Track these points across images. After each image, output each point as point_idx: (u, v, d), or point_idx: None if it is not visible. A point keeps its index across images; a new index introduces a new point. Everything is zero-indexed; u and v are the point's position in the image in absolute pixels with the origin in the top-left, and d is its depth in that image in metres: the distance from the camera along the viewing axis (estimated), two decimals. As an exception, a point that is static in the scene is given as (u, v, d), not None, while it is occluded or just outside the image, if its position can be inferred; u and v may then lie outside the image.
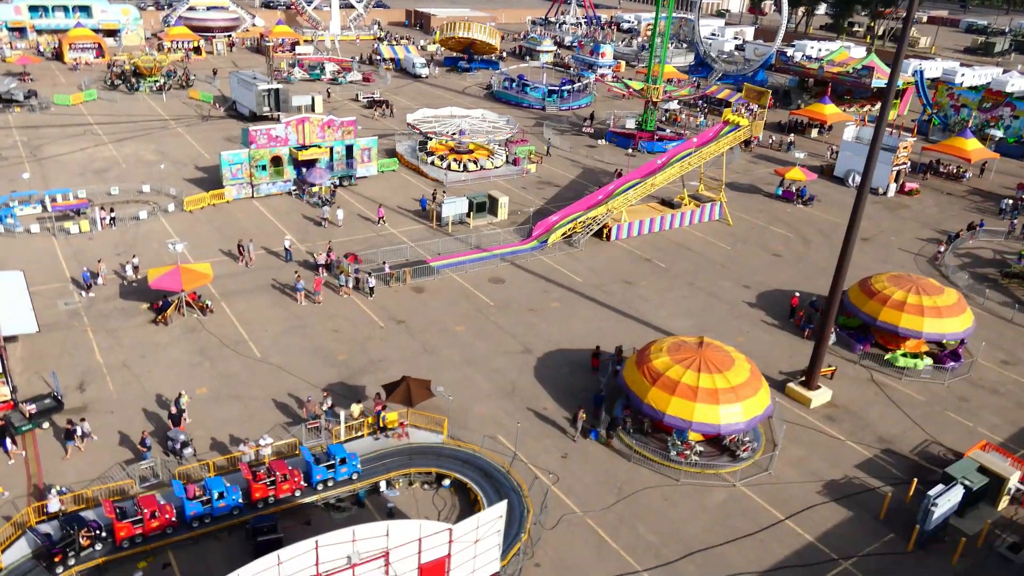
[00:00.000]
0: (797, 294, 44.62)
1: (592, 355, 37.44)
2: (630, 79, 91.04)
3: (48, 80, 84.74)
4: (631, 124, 77.67)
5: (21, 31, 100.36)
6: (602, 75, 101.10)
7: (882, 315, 38.91)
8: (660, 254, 51.47)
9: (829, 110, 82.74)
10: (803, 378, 36.70)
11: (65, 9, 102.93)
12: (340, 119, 58.60)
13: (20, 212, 48.50)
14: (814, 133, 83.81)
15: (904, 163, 65.81)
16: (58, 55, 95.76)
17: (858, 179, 66.23)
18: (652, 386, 31.23)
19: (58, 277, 42.77)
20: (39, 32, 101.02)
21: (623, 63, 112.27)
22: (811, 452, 32.70)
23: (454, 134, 64.40)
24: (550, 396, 35.39)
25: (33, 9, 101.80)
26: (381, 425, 30.90)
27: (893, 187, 65.41)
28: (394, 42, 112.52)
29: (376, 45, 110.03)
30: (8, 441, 28.88)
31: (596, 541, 27.38)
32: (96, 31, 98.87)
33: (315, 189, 55.54)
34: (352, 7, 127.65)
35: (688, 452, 30.98)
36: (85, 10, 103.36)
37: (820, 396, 35.81)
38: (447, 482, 29.23)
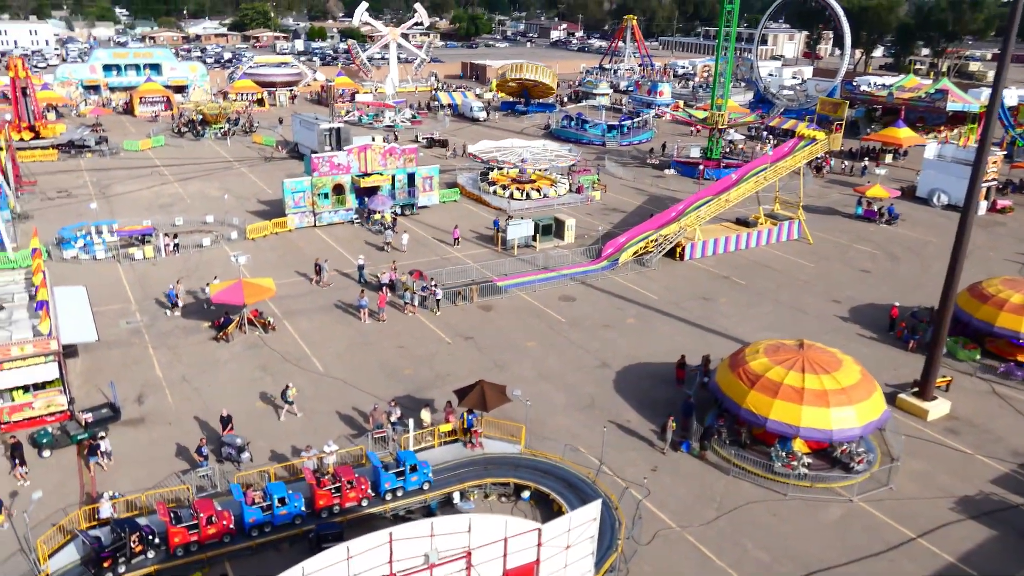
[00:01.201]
0: (896, 304, 41.04)
1: (677, 366, 34.51)
2: (691, 111, 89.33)
3: (119, 130, 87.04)
4: (696, 153, 75.53)
5: (95, 88, 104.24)
6: (661, 112, 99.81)
7: (1000, 321, 35.11)
8: (738, 272, 48.50)
9: (904, 133, 79.27)
10: (915, 389, 33.04)
11: (137, 68, 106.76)
12: (402, 147, 57.86)
13: (87, 242, 48.30)
14: (888, 159, 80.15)
15: (993, 179, 61.86)
16: (128, 109, 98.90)
17: (944, 198, 62.87)
18: (751, 389, 28.17)
19: (121, 299, 42.02)
20: (112, 89, 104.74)
21: (681, 102, 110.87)
22: (935, 466, 28.93)
23: (516, 163, 63.05)
24: (632, 409, 32.51)
25: (107, 68, 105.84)
26: (462, 434, 28.46)
27: (984, 204, 61.34)
28: (451, 89, 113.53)
29: (434, 92, 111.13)
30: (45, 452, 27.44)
31: (698, 558, 24.15)
32: (166, 87, 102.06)
33: (377, 216, 54.49)
34: (410, 62, 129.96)
35: (795, 464, 27.60)
36: (155, 68, 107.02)
37: (937, 408, 32.07)
38: (526, 494, 26.43)
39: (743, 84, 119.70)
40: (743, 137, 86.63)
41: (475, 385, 28.26)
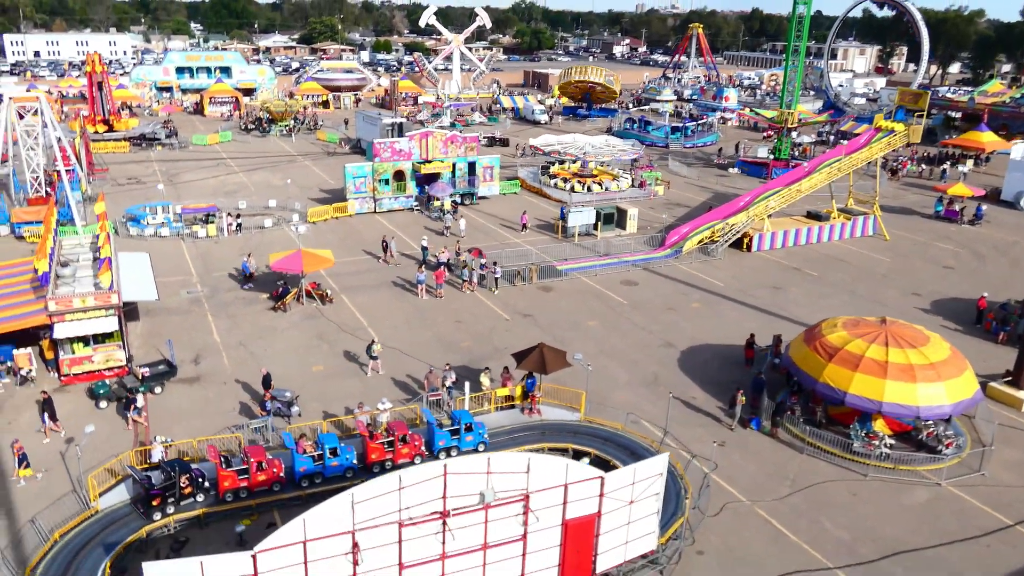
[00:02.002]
0: (985, 294, 38.43)
1: (745, 346, 32.78)
2: (760, 111, 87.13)
3: (188, 128, 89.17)
4: (763, 152, 73.34)
5: (168, 90, 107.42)
6: (726, 117, 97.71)
7: (1102, 308, 32.41)
8: (809, 264, 46.37)
9: (987, 137, 75.57)
10: (1008, 378, 30.62)
11: (208, 70, 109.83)
12: (463, 135, 57.48)
13: (153, 220, 49.00)
14: (969, 164, 76.33)
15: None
16: (198, 109, 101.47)
17: (1031, 201, 59.39)
18: (828, 362, 26.34)
19: (184, 272, 42.33)
20: (183, 91, 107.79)
21: (748, 109, 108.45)
22: (1032, 454, 26.57)
23: (578, 155, 62.03)
24: (698, 387, 30.91)
25: (180, 71, 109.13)
26: (520, 400, 27.38)
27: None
28: (513, 94, 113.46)
29: (496, 96, 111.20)
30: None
31: (771, 532, 22.43)
32: (235, 89, 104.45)
33: (436, 204, 54.07)
34: (471, 70, 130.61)
35: (876, 443, 25.62)
36: (226, 71, 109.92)
37: (1033, 396, 29.61)
38: (586, 461, 25.05)
39: (812, 92, 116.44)
40: (812, 140, 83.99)
41: (535, 348, 27.13)
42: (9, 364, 29.29)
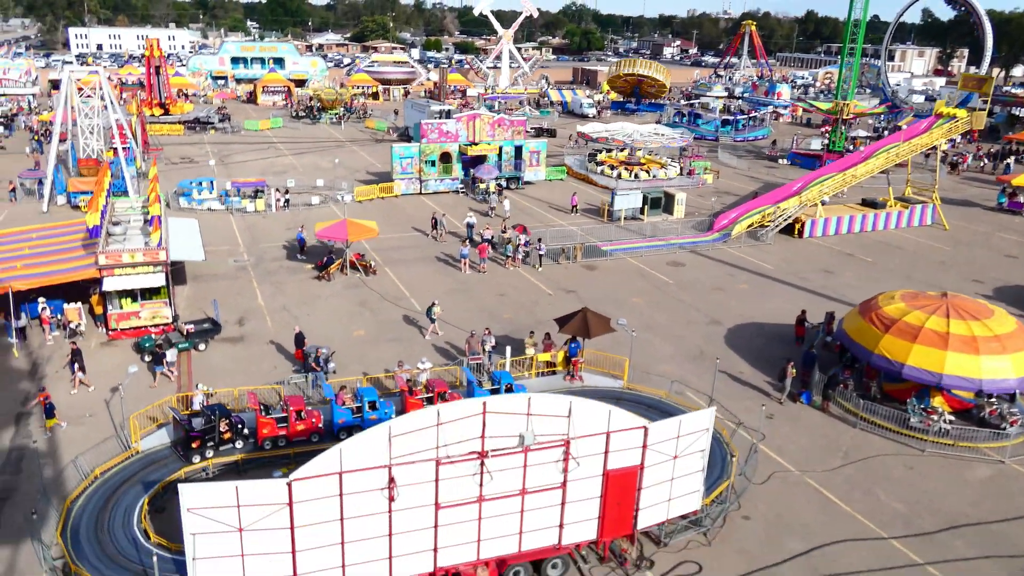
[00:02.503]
0: (1052, 279, 36.74)
1: (796, 322, 31.73)
2: (814, 102, 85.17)
3: (241, 114, 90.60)
4: (816, 145, 71.53)
5: (223, 79, 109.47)
6: (778, 112, 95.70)
7: None
8: (863, 250, 44.93)
9: (1053, 132, 72.53)
10: (1076, 361, 28.99)
11: (262, 61, 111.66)
12: (511, 118, 57.19)
13: (201, 196, 49.71)
14: (1035, 160, 73.43)
15: None
16: (251, 98, 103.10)
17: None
18: (885, 333, 25.27)
19: (231, 243, 42.81)
20: (238, 81, 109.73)
21: (800, 106, 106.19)
22: (1104, 437, 25.08)
23: (627, 141, 61.21)
24: (745, 362, 30.01)
25: (235, 61, 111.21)
26: (563, 366, 26.89)
27: None
28: (562, 88, 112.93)
29: (545, 90, 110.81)
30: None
31: (821, 501, 21.53)
32: (287, 80, 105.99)
33: (482, 186, 53.82)
34: (519, 66, 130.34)
35: (935, 419, 24.46)
36: (279, 62, 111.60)
37: (1105, 380, 27.95)
38: (628, 427, 24.41)
39: (868, 91, 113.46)
40: (867, 135, 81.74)
41: (578, 312, 26.60)
42: (59, 318, 29.80)
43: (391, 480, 15.76)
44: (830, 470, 22.96)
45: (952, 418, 24.76)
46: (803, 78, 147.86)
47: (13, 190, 49.50)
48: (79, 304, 30.41)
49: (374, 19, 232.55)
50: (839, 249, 45.07)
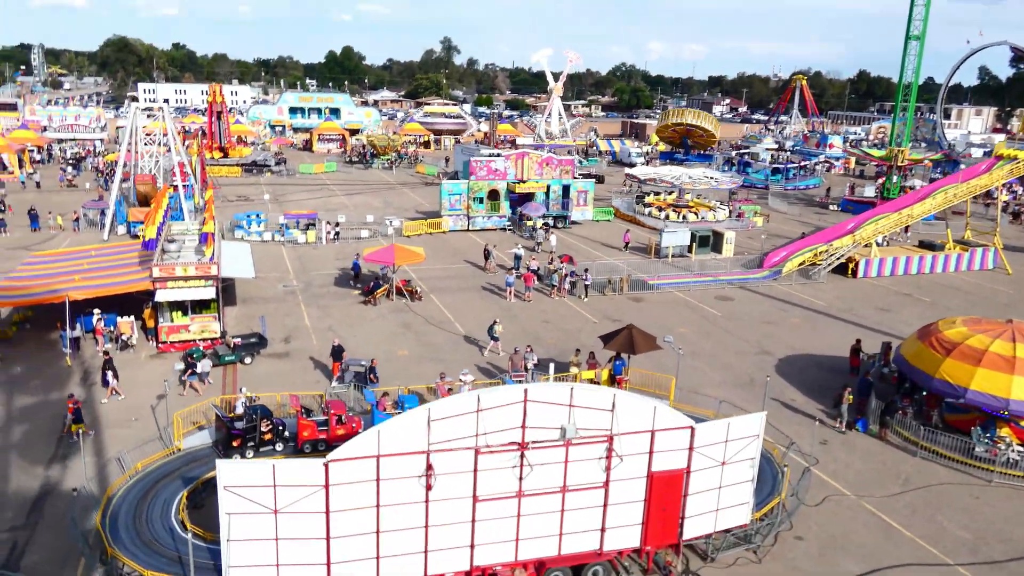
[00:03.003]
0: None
1: (851, 352, 30.67)
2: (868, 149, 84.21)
3: (296, 160, 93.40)
4: (870, 192, 70.40)
5: (281, 128, 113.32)
6: (830, 163, 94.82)
7: None
8: (921, 291, 43.55)
9: (1121, 182, 70.11)
10: None
11: (318, 111, 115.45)
12: (559, 157, 57.69)
13: (253, 228, 50.94)
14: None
15: None
16: (307, 146, 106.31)
17: None
18: (946, 357, 24.20)
19: (282, 271, 43.54)
20: (295, 130, 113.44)
21: (855, 153, 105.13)
22: None
23: (675, 184, 61.13)
24: (797, 391, 29.00)
25: (292, 111, 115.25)
26: (607, 383, 26.27)
27: None
28: (611, 138, 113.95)
29: (594, 140, 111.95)
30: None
31: (880, 525, 20.37)
32: (343, 129, 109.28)
33: (529, 223, 54.05)
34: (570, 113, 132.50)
35: (1002, 448, 23.14)
36: (335, 112, 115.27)
37: None
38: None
39: (923, 144, 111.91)
40: (923, 184, 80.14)
41: (623, 328, 26.14)
42: (112, 330, 30.43)
43: (429, 467, 15.41)
44: (889, 496, 21.79)
45: (1021, 448, 23.39)
46: (855, 133, 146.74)
47: (77, 219, 51.42)
48: (132, 318, 31.07)
49: (428, 76, 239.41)
50: (895, 289, 43.79)
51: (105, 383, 25.98)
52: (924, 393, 25.35)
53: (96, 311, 30.38)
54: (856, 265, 45.75)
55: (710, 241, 50.38)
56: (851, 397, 25.69)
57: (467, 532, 16.14)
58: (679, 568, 17.98)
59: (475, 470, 15.78)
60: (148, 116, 56.60)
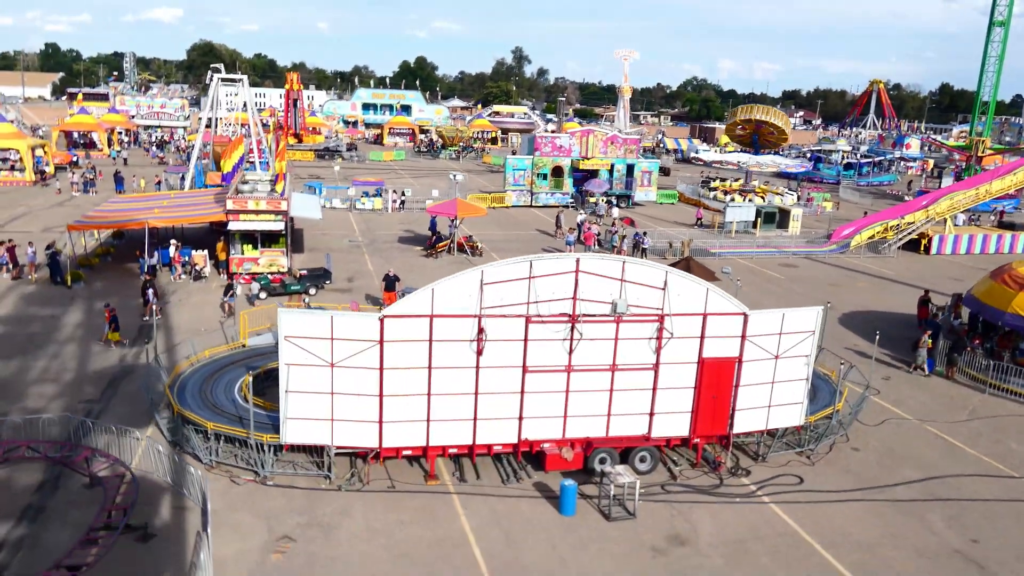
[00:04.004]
0: None
1: (920, 303, 29.77)
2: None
3: (367, 150, 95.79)
4: (948, 182, 67.93)
5: (354, 123, 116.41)
6: (908, 164, 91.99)
7: None
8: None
9: None
10: None
11: (390, 108, 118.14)
12: (624, 135, 57.71)
13: (325, 195, 52.54)
14: None
15: None
16: (378, 140, 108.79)
17: None
18: (1019, 292, 23.33)
19: (349, 232, 44.79)
20: (367, 125, 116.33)
21: (932, 162, 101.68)
22: None
23: (743, 165, 60.38)
24: (860, 338, 28.27)
25: (366, 107, 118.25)
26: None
27: None
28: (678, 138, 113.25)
29: (661, 138, 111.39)
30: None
31: (943, 444, 19.82)
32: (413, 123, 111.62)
33: (592, 200, 54.16)
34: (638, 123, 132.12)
35: (1078, 384, 22.16)
36: (406, 109, 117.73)
37: None
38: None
39: (1007, 140, 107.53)
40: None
41: (682, 259, 26.02)
42: (187, 259, 31.90)
43: (480, 331, 15.73)
44: (954, 422, 21.11)
45: (1099, 386, 22.34)
46: (935, 138, 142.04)
47: (159, 183, 53.99)
48: (205, 252, 32.50)
49: (498, 84, 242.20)
50: (970, 265, 42.20)
51: (146, 301, 27.13)
52: (998, 333, 24.44)
53: (173, 241, 31.90)
54: (929, 241, 44.34)
55: (776, 218, 49.59)
56: (930, 342, 24.89)
57: (516, 403, 16.37)
58: (728, 464, 17.80)
59: (525, 339, 16.03)
60: (228, 85, 59.03)
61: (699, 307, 16.57)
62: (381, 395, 15.75)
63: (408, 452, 16.44)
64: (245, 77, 56.97)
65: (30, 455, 16.12)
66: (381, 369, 15.62)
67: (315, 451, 16.71)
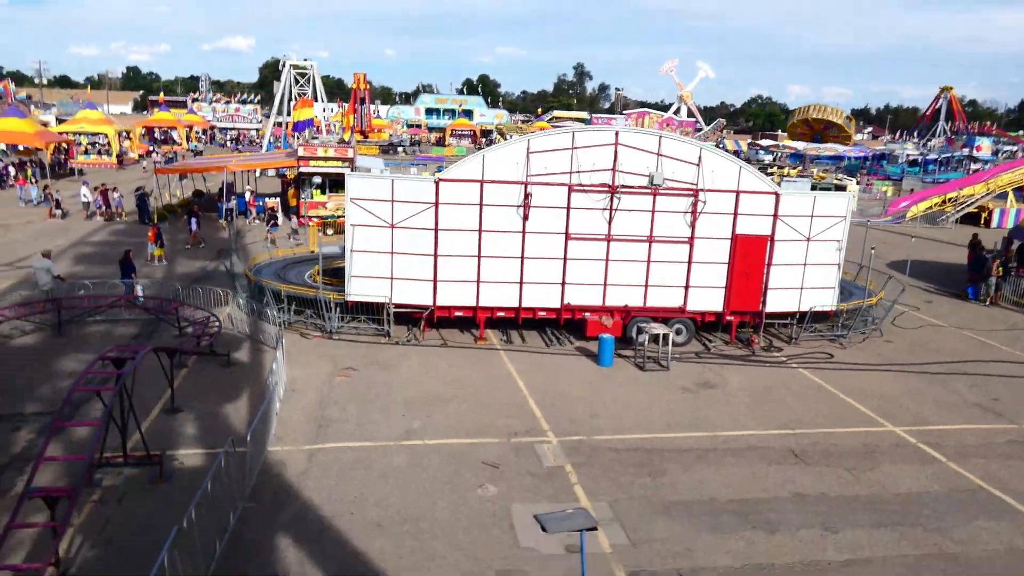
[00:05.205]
0: None
1: (969, 246, 29.85)
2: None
3: (428, 149, 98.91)
4: (1015, 174, 66.54)
5: (417, 127, 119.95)
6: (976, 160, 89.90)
7: None
8: (1061, 237, 41.21)
9: None
10: None
11: (452, 112, 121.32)
12: (679, 119, 58.71)
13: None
14: None
15: None
16: (440, 142, 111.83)
17: None
18: (1064, 213, 23.55)
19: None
20: (430, 129, 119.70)
21: (1009, 134, 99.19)
22: None
23: (798, 151, 60.57)
24: (907, 276, 28.59)
25: (428, 112, 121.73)
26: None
27: None
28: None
29: (721, 140, 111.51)
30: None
31: (977, 343, 20.26)
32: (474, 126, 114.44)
33: (647, 180, 55.22)
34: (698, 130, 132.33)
35: (1123, 301, 22.26)
36: (467, 113, 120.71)
37: None
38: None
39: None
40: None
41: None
42: (261, 204, 34.35)
43: (527, 196, 17.16)
44: (992, 330, 21.50)
45: None
46: (1009, 148, 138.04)
47: (235, 162, 57.35)
48: (277, 199, 34.88)
49: (558, 99, 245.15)
50: (1031, 235, 41.69)
51: (190, 229, 29.51)
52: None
53: (248, 187, 34.36)
54: (989, 214, 43.94)
55: (828, 191, 49.61)
56: (1000, 270, 25.20)
57: (559, 269, 17.69)
58: (761, 343, 18.71)
59: (568, 207, 17.38)
60: (300, 74, 62.47)
61: (732, 184, 17.66)
62: (436, 255, 17.30)
63: (459, 313, 17.92)
64: (315, 63, 59.85)
65: (130, 307, 18.20)
66: (436, 230, 17.18)
67: (376, 318, 18.28)
